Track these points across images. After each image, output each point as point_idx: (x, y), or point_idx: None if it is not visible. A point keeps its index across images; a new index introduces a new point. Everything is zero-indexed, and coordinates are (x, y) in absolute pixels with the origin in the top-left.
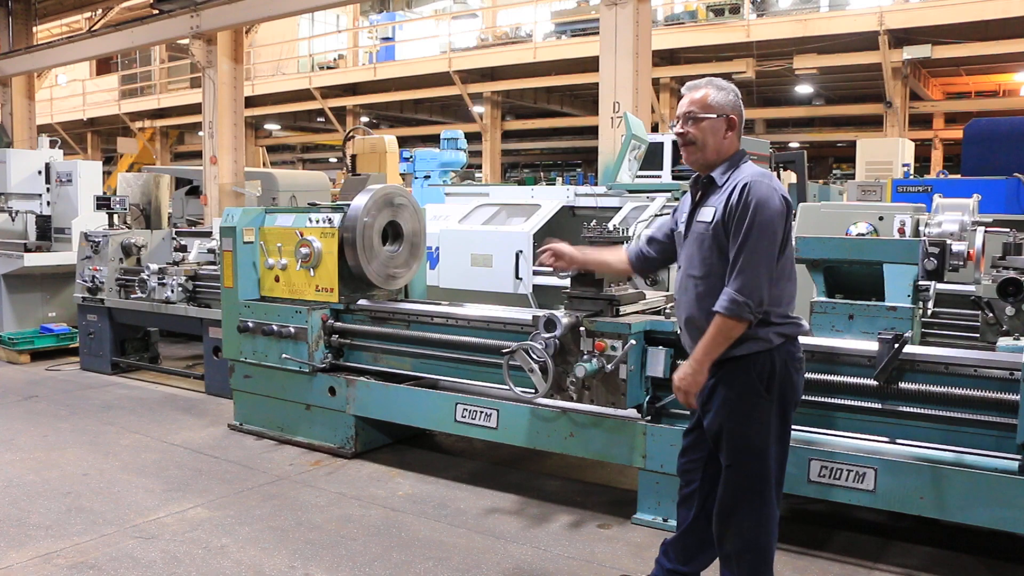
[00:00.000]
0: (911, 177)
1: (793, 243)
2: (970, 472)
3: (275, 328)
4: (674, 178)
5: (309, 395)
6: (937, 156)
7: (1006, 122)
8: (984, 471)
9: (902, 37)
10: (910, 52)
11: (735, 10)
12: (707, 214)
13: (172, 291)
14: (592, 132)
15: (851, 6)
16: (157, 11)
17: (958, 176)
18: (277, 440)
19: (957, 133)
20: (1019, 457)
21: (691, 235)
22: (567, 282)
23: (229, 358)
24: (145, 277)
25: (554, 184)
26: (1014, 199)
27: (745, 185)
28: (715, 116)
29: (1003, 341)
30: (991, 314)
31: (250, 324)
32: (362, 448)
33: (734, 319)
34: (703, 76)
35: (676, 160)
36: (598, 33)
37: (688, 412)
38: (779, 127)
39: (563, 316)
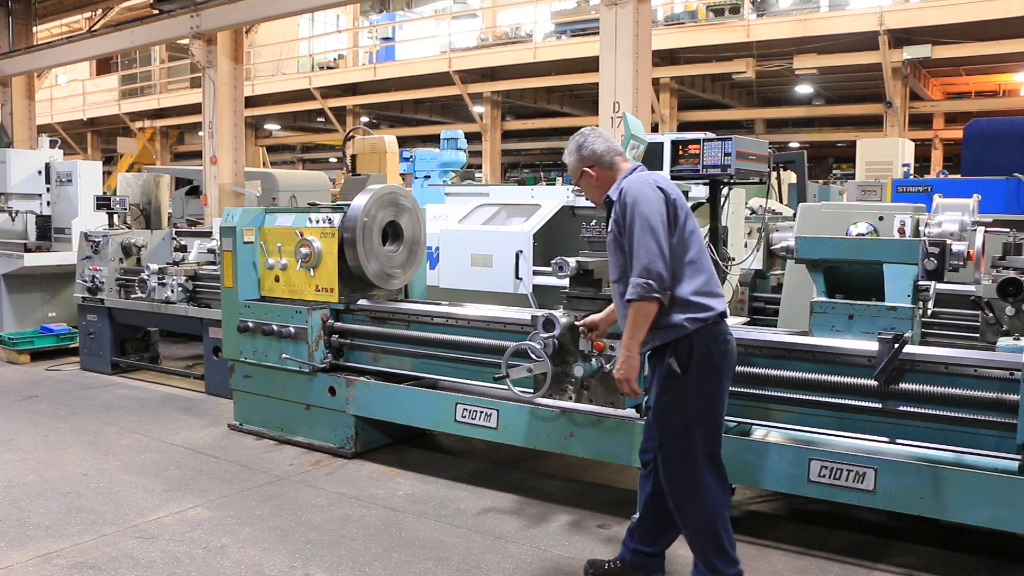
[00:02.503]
0: (911, 177)
1: (688, 227)
2: (970, 472)
3: (275, 328)
4: (673, 178)
5: (309, 395)
6: (937, 156)
7: (1006, 122)
8: (984, 471)
9: (902, 37)
10: (910, 52)
11: (735, 10)
12: (609, 226)
13: (172, 291)
14: None
15: (851, 6)
16: (157, 11)
17: (958, 176)
18: (277, 440)
19: (957, 133)
20: (1019, 457)
21: (608, 249)
22: (567, 283)
23: (229, 358)
24: (145, 277)
25: (554, 184)
26: (1014, 199)
27: (620, 191)
28: (578, 174)
29: (1003, 341)
30: (991, 314)
31: (250, 324)
32: (362, 448)
33: (642, 301)
34: (703, 76)
35: (675, 160)
36: (598, 33)
37: None
38: (779, 127)
39: (561, 316)
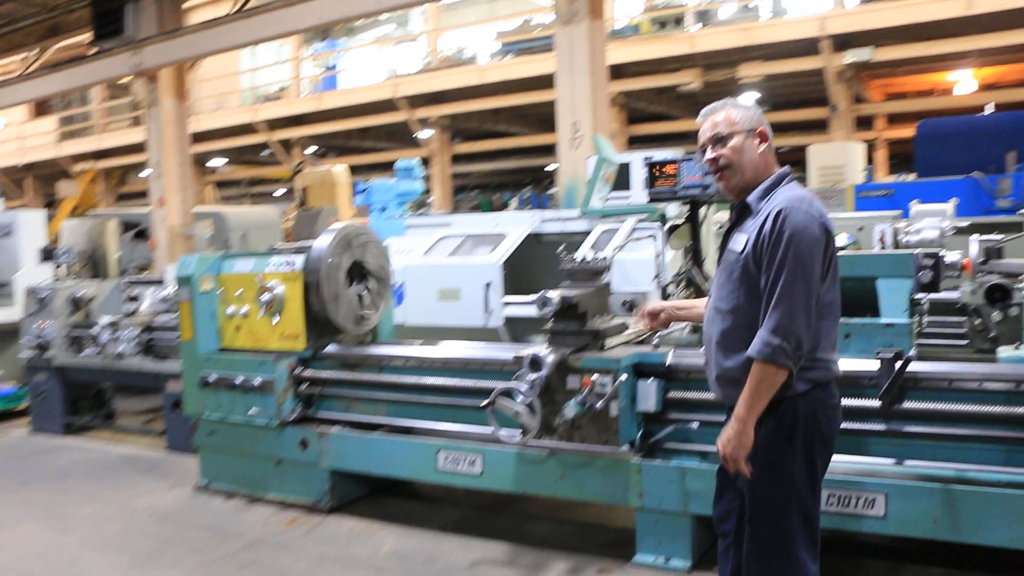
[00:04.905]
0: (872, 181)
1: (835, 273)
2: (984, 491)
3: (240, 381)
4: (651, 200)
5: (280, 449)
6: (882, 156)
7: (954, 121)
8: (998, 488)
9: (843, 41)
10: (852, 56)
11: (679, 22)
12: (739, 242)
13: (126, 345)
14: (540, 151)
15: (791, 14)
16: (96, 50)
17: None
18: (248, 498)
19: (898, 133)
20: None
21: (723, 263)
22: (548, 316)
23: (192, 414)
24: (96, 331)
25: (508, 206)
26: (974, 198)
27: (779, 212)
28: (744, 131)
29: (1003, 351)
30: (978, 320)
31: (213, 378)
32: (339, 502)
33: (771, 365)
34: (649, 89)
35: (652, 182)
36: (543, 52)
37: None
38: None
39: (548, 354)
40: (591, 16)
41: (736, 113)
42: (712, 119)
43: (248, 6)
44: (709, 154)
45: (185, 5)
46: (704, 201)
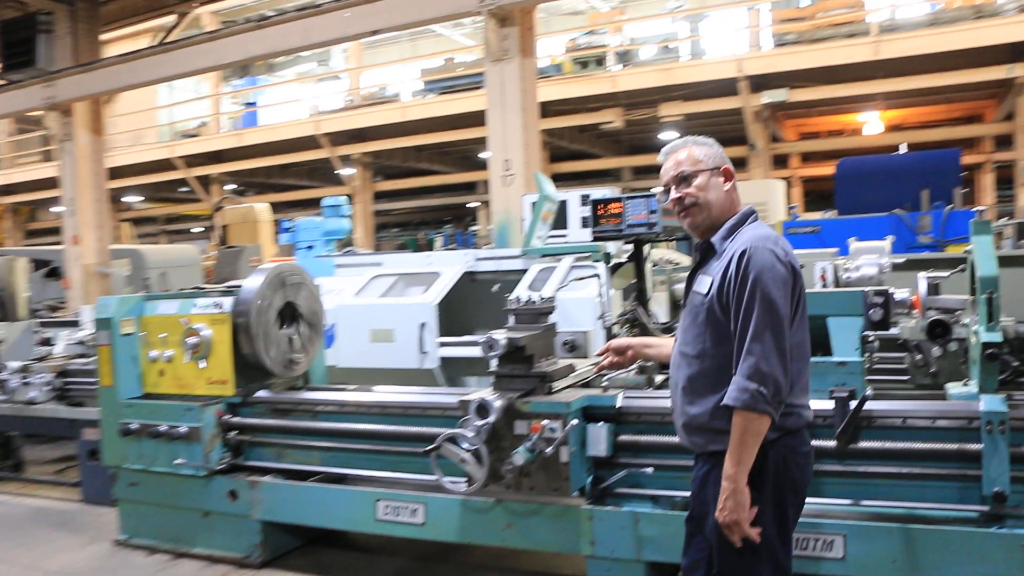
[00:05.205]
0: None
1: (803, 311)
2: (942, 530)
3: (164, 429)
4: (595, 239)
5: (207, 501)
6: (797, 194)
7: (872, 160)
8: (955, 527)
9: (760, 82)
10: (769, 96)
11: (600, 62)
12: (703, 284)
13: (37, 391)
14: (462, 189)
15: (708, 55)
16: (5, 82)
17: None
18: (173, 554)
19: (811, 171)
20: (982, 508)
21: (688, 306)
22: (479, 352)
23: (111, 464)
24: (4, 376)
25: (433, 245)
26: (895, 234)
27: (743, 252)
28: (708, 170)
29: (953, 388)
30: (919, 356)
31: (135, 426)
32: (271, 555)
33: (751, 412)
34: (573, 127)
35: (596, 221)
36: (466, 91)
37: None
38: (646, 173)
39: (495, 399)
40: (522, 54)
41: (699, 151)
42: (675, 157)
43: (169, 39)
44: (674, 193)
45: (103, 37)
46: (648, 240)
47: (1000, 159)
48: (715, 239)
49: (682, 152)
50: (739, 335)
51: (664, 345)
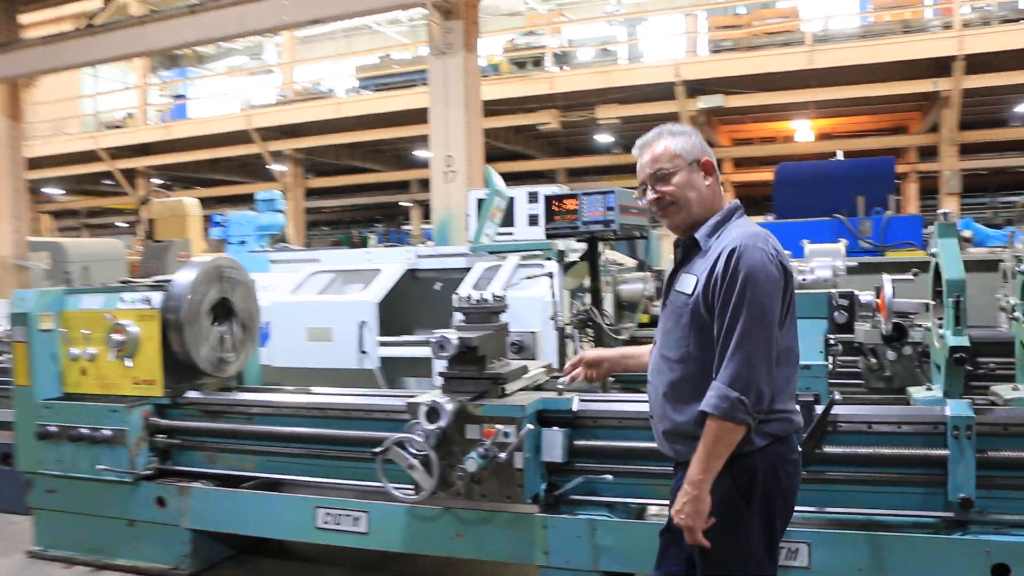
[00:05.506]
0: None
1: (792, 314)
2: (906, 536)
3: (86, 432)
4: (549, 236)
5: (132, 509)
6: (730, 198)
7: (809, 166)
8: (920, 533)
9: (696, 88)
10: (705, 101)
11: (538, 63)
12: (687, 283)
13: None
14: (394, 187)
15: (646, 58)
16: None
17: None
18: (93, 566)
19: (744, 176)
20: (947, 514)
21: (668, 306)
22: (421, 352)
23: (25, 470)
24: None
25: (367, 242)
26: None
27: (733, 251)
28: (687, 165)
29: (917, 392)
30: (873, 360)
31: (53, 428)
32: (201, 566)
33: (728, 421)
34: (508, 128)
35: (550, 217)
36: (402, 88)
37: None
38: (581, 176)
39: (446, 402)
40: (466, 48)
41: (676, 143)
42: (651, 152)
43: (96, 22)
44: (650, 195)
45: (22, 19)
46: (605, 238)
47: (924, 169)
48: (699, 235)
49: (658, 146)
50: (723, 337)
51: (643, 354)
